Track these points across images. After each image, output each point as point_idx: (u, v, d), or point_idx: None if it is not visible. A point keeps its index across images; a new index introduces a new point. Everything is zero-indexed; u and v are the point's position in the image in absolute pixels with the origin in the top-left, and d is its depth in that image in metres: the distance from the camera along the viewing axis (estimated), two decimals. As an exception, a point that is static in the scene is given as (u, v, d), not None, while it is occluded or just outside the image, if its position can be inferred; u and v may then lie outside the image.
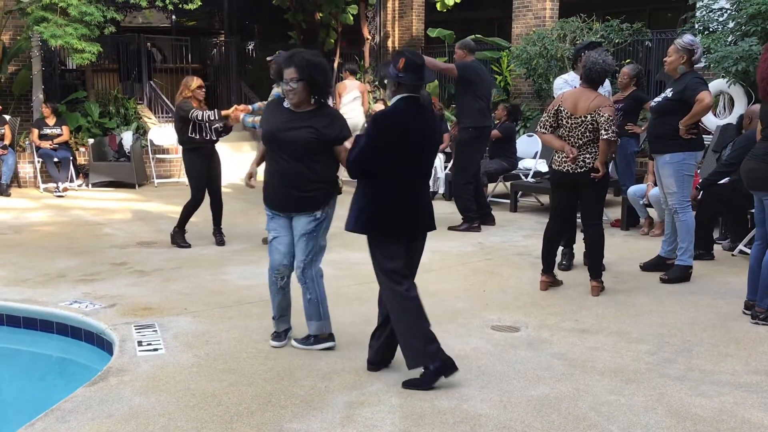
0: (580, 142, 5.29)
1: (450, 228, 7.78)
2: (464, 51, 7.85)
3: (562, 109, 5.37)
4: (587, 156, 5.29)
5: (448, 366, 3.74)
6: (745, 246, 6.57)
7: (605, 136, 5.19)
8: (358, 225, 3.81)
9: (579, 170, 5.30)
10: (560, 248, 5.94)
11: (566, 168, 5.35)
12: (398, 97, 3.76)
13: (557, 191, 5.60)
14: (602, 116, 5.19)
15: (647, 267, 6.10)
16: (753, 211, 5.19)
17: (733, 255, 6.67)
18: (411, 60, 3.71)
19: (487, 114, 7.94)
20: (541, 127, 5.49)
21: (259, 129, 4.96)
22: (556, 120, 5.41)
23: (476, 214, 7.87)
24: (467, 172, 7.87)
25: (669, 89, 5.77)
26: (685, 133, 5.58)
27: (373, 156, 3.73)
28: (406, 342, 3.74)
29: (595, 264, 5.48)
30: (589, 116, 5.24)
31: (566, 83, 6.29)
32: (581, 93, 5.38)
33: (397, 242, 3.80)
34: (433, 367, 3.69)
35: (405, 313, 3.75)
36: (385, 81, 3.90)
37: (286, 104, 4.16)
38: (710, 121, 9.53)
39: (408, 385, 3.74)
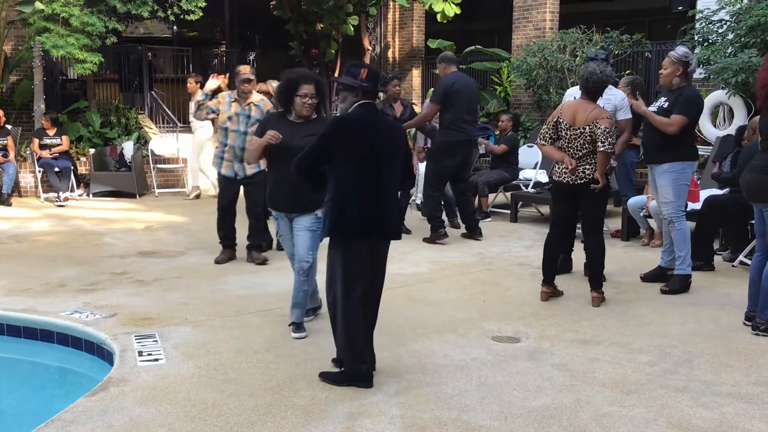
0: (579, 153, 5.30)
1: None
2: (444, 64, 7.79)
3: (561, 120, 5.38)
4: (587, 167, 5.30)
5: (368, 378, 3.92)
6: (745, 257, 6.58)
7: (602, 148, 5.19)
8: (325, 230, 3.94)
9: (579, 181, 5.31)
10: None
11: (566, 179, 5.36)
12: (358, 103, 3.94)
13: (557, 202, 5.61)
14: (599, 128, 5.20)
15: (648, 278, 6.10)
16: (753, 222, 5.19)
17: (733, 266, 6.67)
18: (372, 70, 4.02)
19: (462, 127, 7.60)
20: (541, 139, 5.51)
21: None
22: (556, 131, 5.42)
23: (441, 222, 7.76)
24: (436, 181, 7.76)
25: (663, 99, 5.78)
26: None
27: (319, 157, 3.90)
28: (347, 344, 3.90)
29: (595, 275, 5.48)
30: (587, 128, 5.25)
31: (570, 97, 6.32)
32: (580, 104, 5.39)
33: (358, 245, 3.86)
34: (363, 370, 3.89)
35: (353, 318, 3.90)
36: (340, 89, 4.10)
37: (292, 117, 4.68)
38: (710, 132, 9.56)
39: (324, 377, 3.96)
